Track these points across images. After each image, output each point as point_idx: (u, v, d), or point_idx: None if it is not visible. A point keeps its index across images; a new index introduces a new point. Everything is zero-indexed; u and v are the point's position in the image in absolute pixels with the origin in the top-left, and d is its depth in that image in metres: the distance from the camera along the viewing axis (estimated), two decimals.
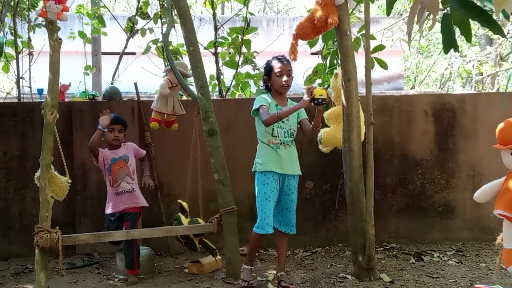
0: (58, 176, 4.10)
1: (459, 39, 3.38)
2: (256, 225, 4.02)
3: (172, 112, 4.90)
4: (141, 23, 6.53)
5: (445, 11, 3.40)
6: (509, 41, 9.27)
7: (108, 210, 4.47)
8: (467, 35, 3.36)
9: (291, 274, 4.42)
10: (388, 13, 3.68)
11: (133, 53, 6.78)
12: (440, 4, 3.41)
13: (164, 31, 5.03)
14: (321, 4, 3.98)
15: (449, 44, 3.31)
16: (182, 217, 4.50)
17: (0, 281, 4.45)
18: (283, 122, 4.08)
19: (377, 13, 14.89)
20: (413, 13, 3.44)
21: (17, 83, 6.08)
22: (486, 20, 3.25)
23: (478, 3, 3.36)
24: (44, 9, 3.89)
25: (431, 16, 3.48)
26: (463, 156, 5.46)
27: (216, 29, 6.32)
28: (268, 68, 4.16)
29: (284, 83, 4.08)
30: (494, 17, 3.36)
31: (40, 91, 5.77)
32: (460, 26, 3.31)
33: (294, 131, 4.17)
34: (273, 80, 4.12)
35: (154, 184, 4.74)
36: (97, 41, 8.39)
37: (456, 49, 3.40)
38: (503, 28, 3.44)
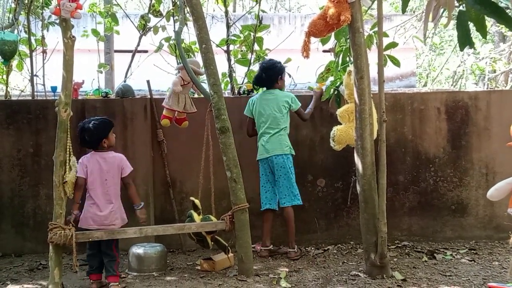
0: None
1: (472, 36, 3.35)
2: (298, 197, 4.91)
3: (184, 109, 4.92)
4: (153, 21, 6.54)
5: (461, 7, 3.37)
6: None
7: None
8: (482, 32, 3.34)
9: (303, 272, 4.42)
10: (404, 11, 3.66)
11: (146, 51, 6.79)
12: (456, 1, 3.39)
13: (176, 29, 5.04)
14: (333, 1, 3.98)
15: (464, 41, 3.28)
16: (195, 215, 4.52)
17: (15, 277, 4.49)
18: None
19: (390, 10, 14.81)
20: (428, 10, 3.42)
21: (31, 80, 6.12)
22: (502, 16, 3.22)
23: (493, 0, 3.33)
24: (57, 7, 3.92)
25: (446, 13, 3.46)
26: (476, 153, 5.43)
27: (228, 26, 6.31)
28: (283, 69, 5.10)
29: None
30: (510, 14, 3.33)
31: (53, 89, 5.81)
32: (475, 23, 3.28)
33: None
34: (283, 80, 5.14)
35: (167, 182, 4.73)
36: (110, 39, 8.42)
37: (472, 45, 3.38)
38: None
